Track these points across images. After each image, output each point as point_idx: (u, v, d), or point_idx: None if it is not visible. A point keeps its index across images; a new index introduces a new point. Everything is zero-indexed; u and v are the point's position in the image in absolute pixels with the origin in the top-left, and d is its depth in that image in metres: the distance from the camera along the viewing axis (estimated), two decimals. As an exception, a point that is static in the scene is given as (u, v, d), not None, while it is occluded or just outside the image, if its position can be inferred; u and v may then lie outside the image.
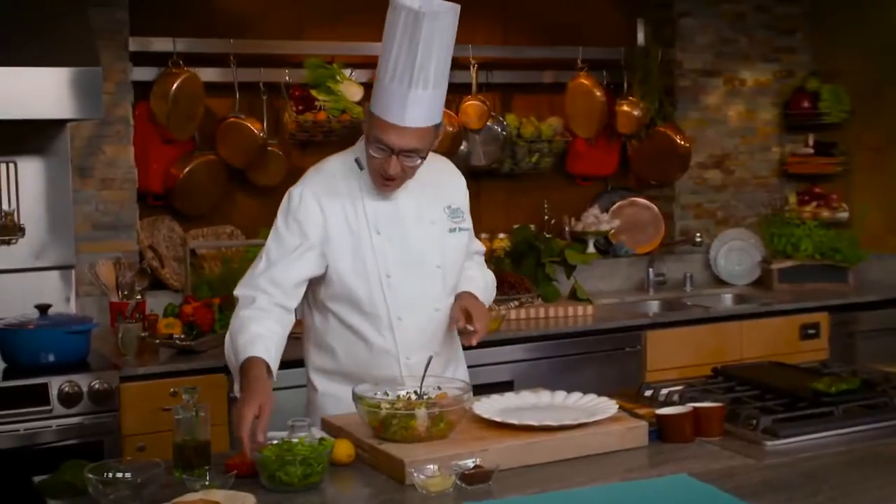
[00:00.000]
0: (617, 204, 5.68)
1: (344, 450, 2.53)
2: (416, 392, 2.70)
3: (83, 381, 3.64)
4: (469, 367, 3.17)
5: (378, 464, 2.48)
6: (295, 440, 2.45)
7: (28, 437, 3.56)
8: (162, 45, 4.55)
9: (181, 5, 4.71)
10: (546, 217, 5.46)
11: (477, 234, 3.13)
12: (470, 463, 2.39)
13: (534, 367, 4.52)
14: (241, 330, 2.73)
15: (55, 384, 3.61)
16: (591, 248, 5.44)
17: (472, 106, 5.10)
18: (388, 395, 2.68)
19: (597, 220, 5.49)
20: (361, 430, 2.59)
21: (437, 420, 2.52)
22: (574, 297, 4.96)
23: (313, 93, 4.73)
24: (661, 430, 2.69)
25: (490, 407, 2.73)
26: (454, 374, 3.02)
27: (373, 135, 2.72)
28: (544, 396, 2.86)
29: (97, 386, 3.65)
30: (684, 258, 5.74)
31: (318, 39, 4.91)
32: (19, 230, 4.17)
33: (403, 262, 2.84)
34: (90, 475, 2.27)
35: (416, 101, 2.67)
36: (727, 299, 5.58)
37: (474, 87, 5.11)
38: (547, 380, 4.20)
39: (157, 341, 4.00)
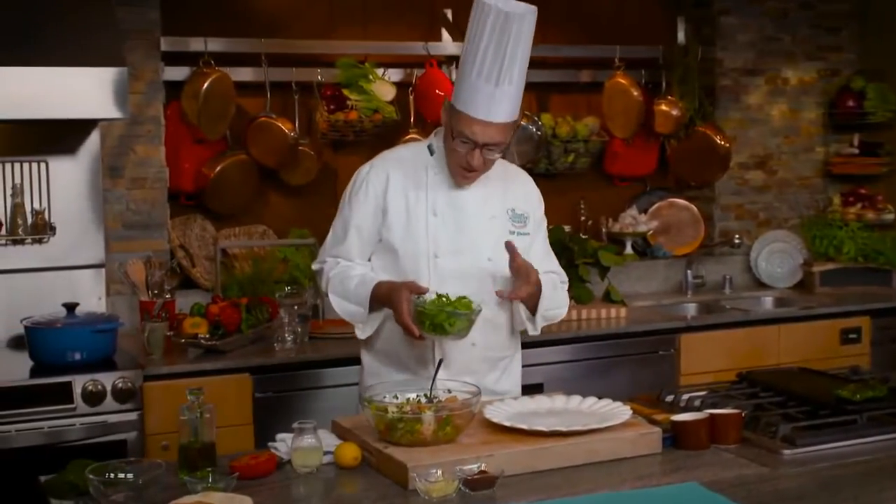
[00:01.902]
0: (655, 205, 5.60)
1: (350, 453, 2.51)
2: (425, 395, 2.67)
3: (107, 380, 3.65)
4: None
5: (383, 468, 2.45)
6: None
7: (52, 435, 3.57)
8: (193, 44, 4.55)
9: (213, 5, 4.72)
10: (583, 218, 5.40)
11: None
12: (475, 468, 2.35)
13: (565, 369, 4.46)
14: (344, 279, 2.92)
15: (79, 382, 3.62)
16: (628, 250, 5.38)
17: (506, 105, 5.02)
18: (397, 398, 2.66)
19: (634, 221, 5.42)
20: (369, 433, 2.56)
21: (443, 424, 2.48)
22: (608, 298, 4.89)
23: (345, 92, 4.72)
24: (676, 437, 2.63)
25: (501, 411, 2.68)
26: (504, 371, 3.02)
27: (457, 130, 2.80)
28: (559, 401, 2.82)
29: (121, 385, 3.66)
30: (724, 260, 5.64)
31: (350, 39, 4.90)
32: (50, 229, 4.20)
33: (454, 246, 2.89)
34: (91, 476, 2.26)
35: (502, 98, 2.76)
36: (767, 302, 5.47)
37: (509, 87, 5.05)
38: (578, 383, 4.15)
39: (183, 340, 4.00)
